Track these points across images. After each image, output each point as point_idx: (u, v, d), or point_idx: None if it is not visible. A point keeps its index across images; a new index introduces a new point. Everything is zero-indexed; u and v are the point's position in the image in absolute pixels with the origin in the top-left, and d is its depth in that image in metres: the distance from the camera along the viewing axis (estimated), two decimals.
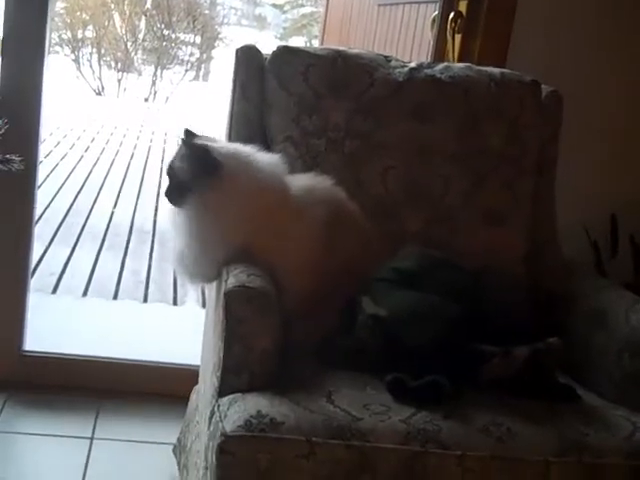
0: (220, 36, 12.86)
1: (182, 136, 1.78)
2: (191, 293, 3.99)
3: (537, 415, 1.56)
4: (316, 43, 8.72)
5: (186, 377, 2.30)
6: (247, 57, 2.09)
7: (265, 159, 1.81)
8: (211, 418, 1.51)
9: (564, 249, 2.20)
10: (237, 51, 2.10)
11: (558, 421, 1.56)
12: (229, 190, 1.71)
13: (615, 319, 1.80)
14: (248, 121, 2.08)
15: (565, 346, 1.67)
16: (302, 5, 14.42)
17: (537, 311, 1.92)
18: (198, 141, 1.76)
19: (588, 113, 2.52)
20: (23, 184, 2.44)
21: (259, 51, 2.11)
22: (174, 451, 2.21)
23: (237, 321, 1.53)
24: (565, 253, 2.19)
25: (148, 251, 4.65)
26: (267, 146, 2.01)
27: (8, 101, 2.33)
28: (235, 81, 2.08)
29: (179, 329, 3.42)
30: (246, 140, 1.99)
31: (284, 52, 2.08)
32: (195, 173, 1.71)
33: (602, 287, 2.00)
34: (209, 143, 1.76)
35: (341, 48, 2.13)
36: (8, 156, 1.69)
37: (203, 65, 13.30)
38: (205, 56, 13.02)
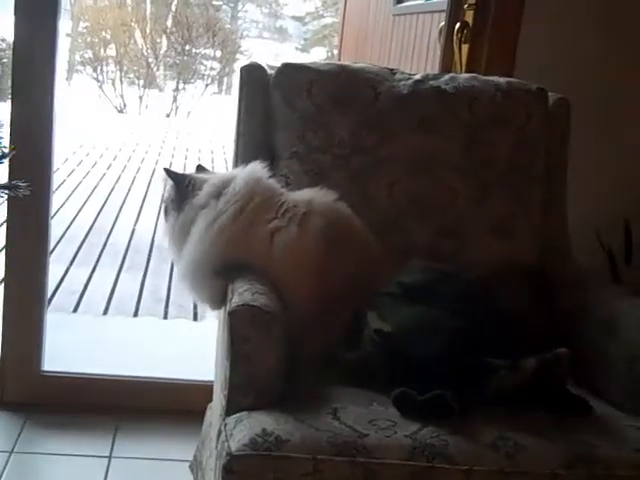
0: (241, 49, 12.93)
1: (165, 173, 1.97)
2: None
3: (546, 428, 1.54)
4: (335, 54, 8.73)
5: (204, 393, 2.30)
6: (252, 75, 2.11)
7: (245, 170, 1.89)
8: (219, 437, 1.51)
9: (578, 256, 2.18)
10: (242, 70, 2.11)
11: (568, 433, 1.54)
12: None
13: (627, 328, 1.78)
14: (254, 139, 2.09)
15: (577, 356, 1.66)
16: (322, 16, 14.47)
17: (547, 321, 1.91)
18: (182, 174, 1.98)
19: (597, 119, 2.51)
20: (37, 209, 2.47)
21: (263, 69, 2.12)
22: (191, 468, 2.21)
23: (242, 340, 1.54)
24: (579, 260, 2.17)
25: (168, 269, 4.68)
26: (274, 163, 2.02)
27: (19, 127, 2.36)
28: (240, 99, 2.10)
29: (199, 345, 3.42)
30: (253, 157, 2.01)
31: (288, 69, 2.09)
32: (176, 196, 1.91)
33: (614, 295, 1.98)
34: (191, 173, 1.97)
35: (345, 63, 2.15)
36: (14, 182, 1.71)
37: (225, 79, 13.38)
38: (227, 69, 13.10)
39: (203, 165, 2.06)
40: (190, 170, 2.06)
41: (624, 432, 1.59)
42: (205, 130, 10.36)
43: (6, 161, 1.89)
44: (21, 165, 2.10)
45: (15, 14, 2.36)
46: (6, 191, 1.69)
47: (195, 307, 4.06)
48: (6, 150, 1.80)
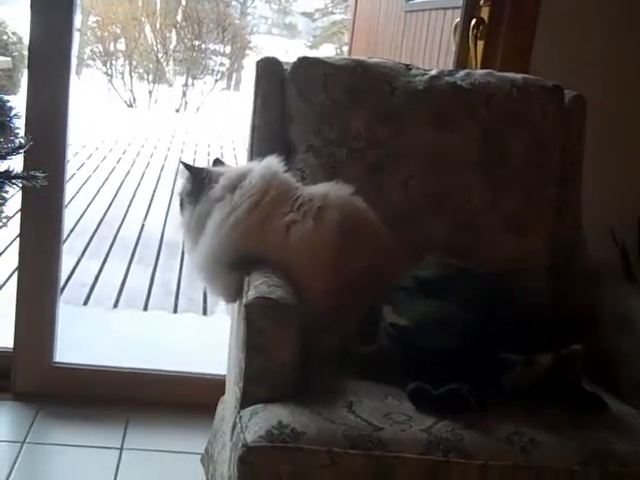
0: (251, 45, 12.93)
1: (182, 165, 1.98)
2: (221, 303, 4.00)
3: (561, 424, 1.55)
4: (347, 50, 8.73)
5: (214, 387, 2.31)
6: (267, 69, 2.10)
7: (262, 164, 1.90)
8: (233, 429, 1.52)
9: (592, 254, 2.17)
10: (257, 63, 2.11)
11: (583, 429, 1.54)
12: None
13: None
14: (270, 132, 2.09)
15: (591, 353, 1.66)
16: (332, 13, 14.46)
17: (562, 318, 1.91)
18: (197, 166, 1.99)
19: (612, 117, 2.50)
20: (51, 199, 2.48)
21: (279, 62, 2.12)
22: (202, 461, 2.22)
23: (257, 332, 1.54)
24: (593, 258, 2.17)
25: (178, 263, 4.68)
26: (289, 157, 2.03)
27: (35, 118, 2.37)
28: (256, 93, 2.10)
29: (209, 339, 3.43)
30: (268, 151, 2.01)
31: (304, 63, 2.09)
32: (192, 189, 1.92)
33: (629, 293, 1.98)
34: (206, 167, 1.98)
35: (361, 58, 2.14)
36: (32, 172, 1.72)
37: (234, 74, 13.38)
38: (236, 65, 13.10)
39: (221, 159, 2.06)
40: (202, 165, 2.07)
41: (638, 428, 1.59)
42: (214, 125, 10.36)
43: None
44: (36, 156, 2.10)
45: (31, 7, 2.36)
46: (24, 181, 1.69)
47: (205, 301, 4.07)
48: (22, 141, 1.80)
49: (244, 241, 1.78)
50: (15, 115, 1.76)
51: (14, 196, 1.96)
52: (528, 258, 2.04)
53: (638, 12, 2.54)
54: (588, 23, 2.52)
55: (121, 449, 2.39)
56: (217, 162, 2.04)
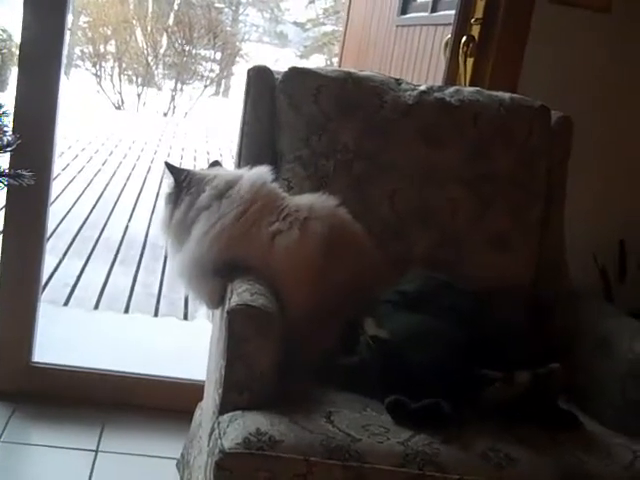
0: (241, 52, 12.95)
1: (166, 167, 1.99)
2: (202, 309, 3.99)
3: (537, 441, 1.56)
4: (336, 61, 8.76)
5: (192, 392, 2.31)
6: (259, 77, 2.11)
7: (251, 174, 1.90)
8: (211, 435, 1.52)
9: (572, 274, 2.19)
10: (249, 71, 2.12)
11: (558, 448, 1.55)
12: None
13: (619, 346, 1.80)
14: (258, 140, 2.10)
15: (568, 372, 1.68)
16: (323, 23, 14.50)
17: (541, 336, 1.92)
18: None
19: (597, 138, 2.53)
20: (37, 198, 2.47)
21: (271, 71, 2.13)
22: (177, 466, 2.22)
23: (239, 339, 1.55)
24: (573, 279, 2.19)
25: (161, 266, 4.67)
26: (276, 166, 2.03)
27: (23, 116, 2.36)
28: (246, 100, 2.11)
29: (188, 344, 3.43)
30: (256, 159, 2.02)
31: (295, 73, 2.10)
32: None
33: (607, 314, 1.99)
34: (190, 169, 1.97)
35: (352, 70, 2.15)
36: (19, 171, 1.71)
37: (223, 81, 13.39)
38: (226, 72, 13.11)
39: (219, 161, 2.07)
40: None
41: (613, 449, 1.61)
42: (202, 131, 10.36)
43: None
44: (23, 154, 2.09)
45: (24, 5, 2.36)
46: (10, 179, 1.69)
47: (186, 306, 4.06)
48: (10, 139, 1.80)
49: (229, 248, 1.79)
50: (4, 113, 1.75)
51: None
52: (511, 275, 2.06)
53: (627, 32, 2.56)
54: (577, 44, 2.54)
55: (96, 451, 2.38)
56: (215, 164, 2.04)
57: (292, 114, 2.06)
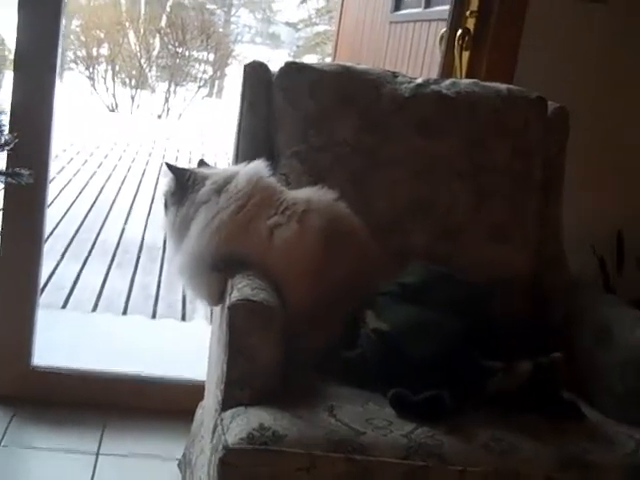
0: (234, 54, 12.95)
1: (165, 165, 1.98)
2: (200, 310, 3.99)
3: (539, 431, 1.55)
4: (329, 61, 8.76)
5: (192, 392, 2.30)
6: (255, 73, 2.11)
7: (248, 168, 1.90)
8: (214, 431, 1.51)
9: (571, 265, 2.19)
10: (245, 67, 2.11)
11: (560, 437, 1.55)
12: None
13: (620, 335, 1.79)
14: (255, 136, 2.09)
15: (569, 362, 1.67)
16: (316, 24, 14.50)
17: (542, 327, 1.92)
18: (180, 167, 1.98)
19: (594, 129, 2.53)
20: (34, 199, 2.46)
21: (267, 67, 2.12)
22: (179, 466, 2.21)
23: (240, 334, 1.54)
24: (572, 269, 2.19)
25: (158, 268, 4.67)
26: (274, 161, 2.03)
27: (19, 116, 2.35)
28: (243, 97, 2.10)
29: (187, 345, 3.42)
30: (253, 155, 2.01)
31: (291, 68, 2.09)
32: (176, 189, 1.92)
33: (607, 303, 1.99)
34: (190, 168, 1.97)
35: (348, 64, 2.15)
36: (17, 170, 1.70)
37: (217, 82, 13.39)
38: (219, 73, 13.12)
39: (205, 160, 2.06)
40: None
41: (614, 438, 1.60)
42: (196, 132, 10.35)
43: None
44: (19, 156, 2.09)
45: (19, 8, 2.36)
46: (8, 178, 1.68)
47: (184, 307, 4.06)
48: (7, 138, 1.79)
49: (228, 242, 1.78)
50: (1, 112, 1.75)
51: None
52: (510, 267, 2.06)
53: (623, 24, 2.56)
54: (573, 36, 2.54)
55: (97, 454, 2.37)
56: (201, 163, 2.03)
57: (289, 109, 2.05)
